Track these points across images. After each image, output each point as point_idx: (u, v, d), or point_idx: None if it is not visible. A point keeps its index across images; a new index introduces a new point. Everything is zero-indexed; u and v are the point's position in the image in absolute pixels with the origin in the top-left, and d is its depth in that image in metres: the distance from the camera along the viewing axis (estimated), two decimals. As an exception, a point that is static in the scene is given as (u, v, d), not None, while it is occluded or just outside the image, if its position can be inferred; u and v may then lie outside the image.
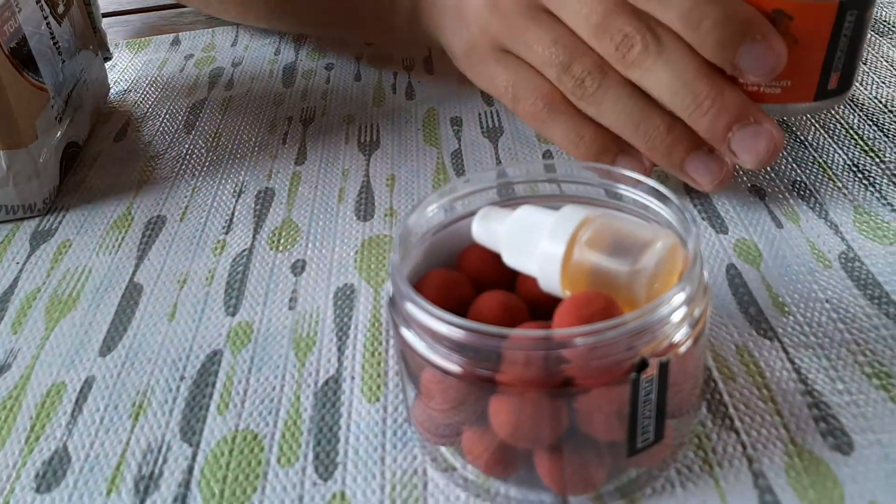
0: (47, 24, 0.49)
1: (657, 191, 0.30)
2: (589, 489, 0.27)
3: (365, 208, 0.44)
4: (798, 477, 0.27)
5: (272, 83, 0.59)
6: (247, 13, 0.61)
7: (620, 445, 0.26)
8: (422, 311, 0.26)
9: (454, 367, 0.26)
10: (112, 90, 0.60)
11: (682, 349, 0.26)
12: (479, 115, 0.51)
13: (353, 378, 0.33)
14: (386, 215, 0.43)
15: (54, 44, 0.50)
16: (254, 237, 0.42)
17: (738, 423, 0.29)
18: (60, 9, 0.52)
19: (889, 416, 0.29)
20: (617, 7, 0.37)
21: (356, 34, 0.58)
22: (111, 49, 0.65)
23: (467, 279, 0.31)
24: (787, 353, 0.32)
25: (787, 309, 0.34)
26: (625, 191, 0.31)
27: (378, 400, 0.32)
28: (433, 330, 0.26)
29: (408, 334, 0.27)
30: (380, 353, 0.34)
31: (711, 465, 0.28)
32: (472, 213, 0.31)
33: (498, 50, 0.43)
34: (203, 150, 0.51)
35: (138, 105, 0.58)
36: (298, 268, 0.40)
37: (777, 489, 0.27)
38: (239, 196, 0.46)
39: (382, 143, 0.50)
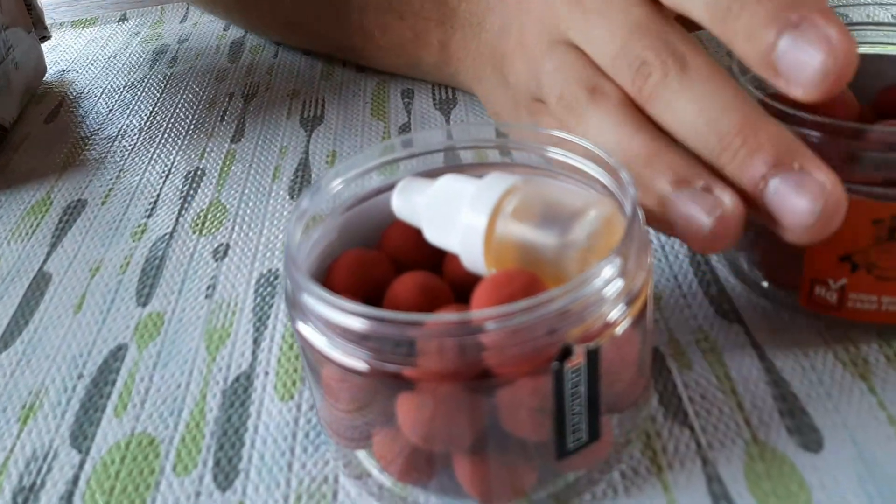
0: (-37, -3, 0.46)
1: (593, 153, 0.26)
2: (517, 496, 0.24)
3: (300, 187, 0.40)
4: (758, 480, 0.24)
5: (217, 59, 0.55)
6: (253, 23, 0.56)
7: (549, 446, 0.22)
8: (317, 301, 0.22)
9: (357, 363, 0.22)
10: (50, 70, 0.56)
11: (618, 330, 0.22)
12: (433, 87, 0.47)
13: (266, 374, 0.30)
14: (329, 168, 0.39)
15: (-28, 18, 0.46)
16: (177, 220, 0.39)
17: (692, 418, 0.26)
18: (-18, -18, 0.48)
19: (867, 409, 0.25)
20: (639, 29, 0.29)
21: (378, 65, 0.50)
22: (51, 29, 0.61)
23: (387, 259, 0.28)
24: (751, 337, 0.28)
25: (753, 286, 0.30)
26: (557, 154, 0.27)
27: (292, 398, 0.28)
28: (330, 321, 0.22)
29: (305, 329, 0.23)
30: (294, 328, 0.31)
31: (661, 466, 0.24)
32: (394, 185, 0.28)
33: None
34: (136, 131, 0.47)
35: (74, 85, 0.54)
36: (220, 253, 0.36)
37: (734, 494, 0.23)
38: (167, 177, 0.42)
39: (326, 118, 0.46)
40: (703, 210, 0.26)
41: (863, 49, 0.33)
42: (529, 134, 0.28)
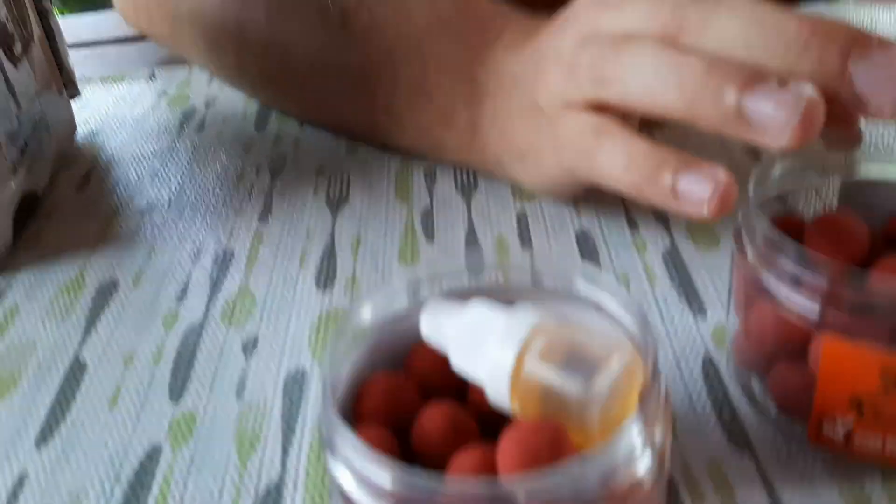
0: (0, 68, 0.47)
1: (617, 290, 0.27)
2: None
3: (326, 275, 0.41)
4: None
5: (244, 125, 0.56)
6: (279, 102, 0.57)
7: None
8: (349, 448, 0.23)
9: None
10: (80, 130, 0.58)
11: (641, 493, 0.23)
12: (455, 169, 0.49)
13: (295, 486, 0.31)
14: (347, 284, 0.41)
15: (9, 90, 0.48)
16: (207, 308, 0.40)
17: (704, 555, 0.27)
18: (18, 49, 0.50)
19: (869, 548, 0.26)
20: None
21: (402, 145, 0.50)
22: (80, 86, 0.62)
23: (413, 385, 0.29)
24: (761, 471, 0.29)
25: (764, 412, 0.31)
26: (584, 287, 0.28)
27: (320, 512, 0.30)
28: (360, 472, 0.23)
29: (337, 468, 0.24)
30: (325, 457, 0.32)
31: None
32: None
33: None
34: (165, 203, 0.49)
35: (104, 149, 0.55)
36: (250, 347, 0.37)
37: None
38: (197, 258, 0.44)
39: (351, 199, 0.47)
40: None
41: (874, 173, 0.34)
42: (559, 268, 0.29)
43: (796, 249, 0.28)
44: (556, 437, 0.24)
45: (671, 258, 0.40)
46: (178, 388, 0.36)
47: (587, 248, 0.41)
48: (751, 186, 0.31)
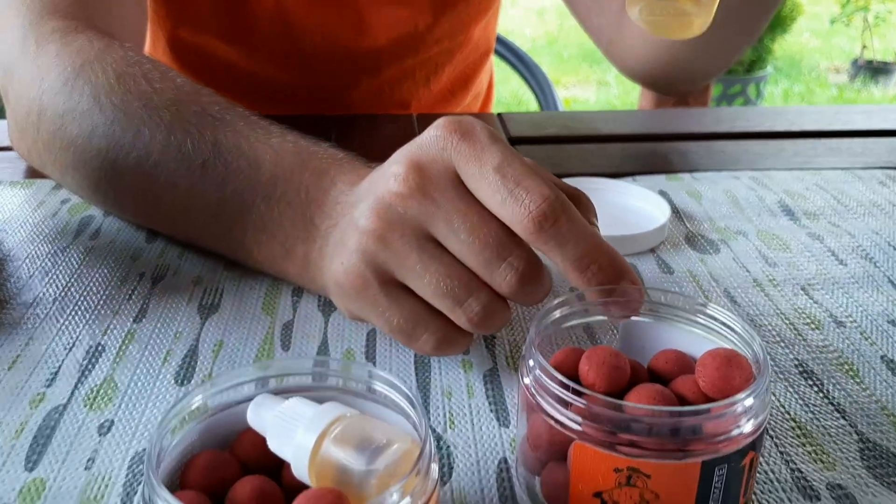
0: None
1: (406, 394, 0.33)
2: None
3: (185, 373, 0.46)
4: None
5: (136, 237, 0.62)
6: (149, 225, 0.63)
7: None
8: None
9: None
10: (-19, 227, 0.62)
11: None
12: (320, 288, 0.55)
13: (124, 546, 0.35)
14: (203, 381, 0.45)
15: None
16: (72, 394, 0.44)
17: None
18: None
19: None
20: (509, 240, 0.42)
21: (257, 271, 0.57)
22: (-12, 187, 0.67)
23: (235, 461, 0.34)
24: (526, 551, 0.35)
25: (540, 507, 0.37)
26: (381, 388, 0.34)
27: (143, 570, 0.34)
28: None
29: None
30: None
31: None
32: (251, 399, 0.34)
33: (386, 283, 0.44)
34: (50, 300, 0.53)
35: (2, 246, 0.60)
36: (105, 428, 0.42)
37: None
38: (70, 350, 0.48)
39: (221, 308, 0.53)
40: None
41: (646, 319, 0.41)
42: (355, 369, 0.35)
43: (560, 379, 0.34)
44: (337, 500, 0.29)
45: (490, 378, 0.46)
46: (33, 459, 0.40)
47: (422, 365, 0.47)
48: (532, 326, 0.37)
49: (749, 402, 0.33)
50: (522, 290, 0.42)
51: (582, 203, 0.46)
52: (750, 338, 0.37)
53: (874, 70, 4.57)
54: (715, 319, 0.39)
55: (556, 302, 0.40)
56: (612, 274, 0.41)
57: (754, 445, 0.34)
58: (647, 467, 0.33)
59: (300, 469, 0.32)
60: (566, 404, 0.34)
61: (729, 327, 0.38)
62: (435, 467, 0.31)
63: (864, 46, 4.62)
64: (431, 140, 0.43)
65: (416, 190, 0.42)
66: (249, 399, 0.34)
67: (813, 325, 0.52)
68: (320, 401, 0.33)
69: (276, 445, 0.33)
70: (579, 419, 0.34)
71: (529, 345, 0.37)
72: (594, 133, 0.86)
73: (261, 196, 0.52)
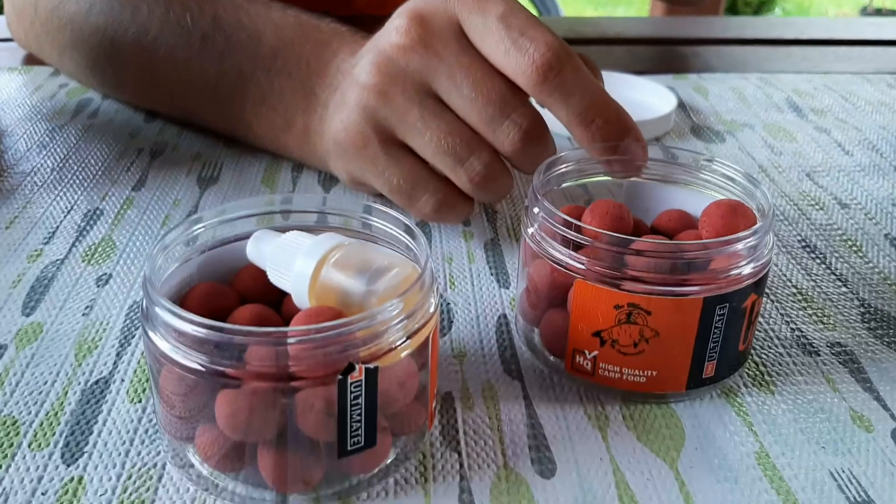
0: None
1: (407, 226, 0.33)
2: (306, 487, 0.29)
3: (185, 235, 0.46)
4: (500, 495, 0.30)
5: (134, 116, 0.61)
6: (147, 104, 0.62)
7: (333, 446, 0.28)
8: (166, 312, 0.28)
9: (193, 364, 0.28)
10: (-22, 107, 0.62)
11: (397, 357, 0.28)
12: (320, 165, 0.54)
13: (122, 381, 0.35)
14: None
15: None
16: (69, 250, 0.44)
17: (462, 446, 0.32)
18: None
19: (595, 452, 0.32)
20: (514, 97, 0.41)
21: (257, 147, 0.56)
22: (-15, 69, 0.66)
23: (234, 292, 0.34)
24: (525, 391, 0.35)
25: (538, 354, 0.37)
26: (379, 223, 0.34)
27: (140, 402, 0.34)
28: (175, 328, 0.28)
29: (154, 336, 0.28)
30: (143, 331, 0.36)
31: (427, 479, 0.30)
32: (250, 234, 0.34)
33: (386, 141, 0.43)
34: (48, 170, 0.53)
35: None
36: (103, 280, 0.42)
37: (477, 503, 0.29)
38: (68, 213, 0.48)
39: (221, 180, 0.52)
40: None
41: (650, 180, 0.41)
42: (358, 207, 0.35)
43: (565, 219, 0.34)
44: (335, 316, 0.29)
45: (491, 246, 0.46)
46: (30, 306, 0.39)
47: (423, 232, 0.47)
48: (536, 178, 0.37)
49: (751, 241, 0.33)
50: (525, 149, 0.41)
51: (587, 63, 0.45)
52: (754, 188, 0.37)
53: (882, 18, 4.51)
54: (718, 173, 0.39)
55: (559, 156, 0.39)
56: (617, 129, 0.40)
57: (756, 288, 0.34)
58: (648, 303, 0.32)
59: (300, 296, 0.31)
60: (570, 244, 0.34)
61: (732, 180, 0.38)
62: (435, 294, 0.31)
63: (874, -8, 4.55)
64: None
65: (417, 42, 0.41)
66: (248, 236, 0.34)
67: (818, 207, 0.51)
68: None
69: (275, 277, 0.33)
70: (583, 258, 0.33)
71: (533, 194, 0.36)
72: (601, 36, 0.85)
73: (261, 68, 0.51)
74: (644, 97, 0.65)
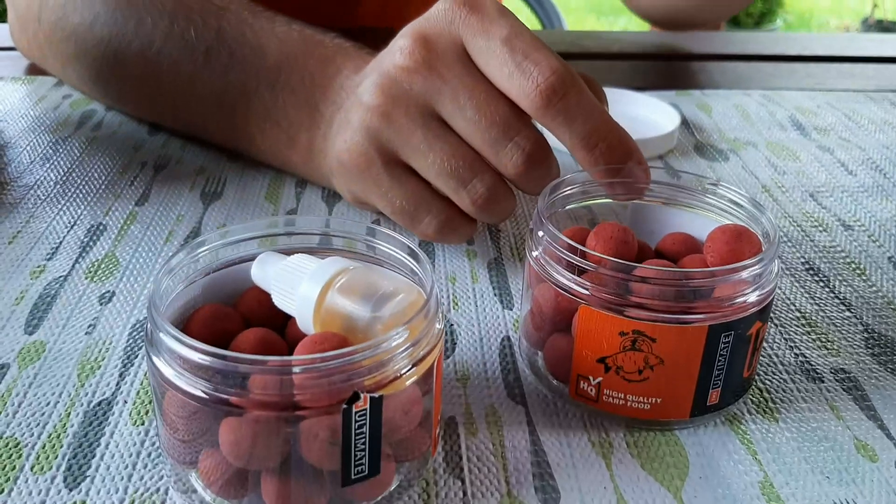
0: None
1: (412, 250, 0.33)
2: (309, 516, 0.29)
3: (188, 252, 0.46)
4: (504, 523, 0.30)
5: (138, 129, 0.61)
6: (151, 117, 0.62)
7: (337, 474, 0.28)
8: (170, 339, 0.28)
9: (196, 391, 0.28)
10: (-19, 118, 0.61)
11: (402, 385, 0.28)
12: (324, 181, 0.54)
13: (125, 402, 0.35)
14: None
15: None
16: (73, 266, 0.44)
17: (465, 472, 0.32)
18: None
19: (599, 480, 0.32)
20: (517, 120, 0.41)
21: (259, 161, 0.56)
22: (-11, 80, 0.66)
23: (238, 315, 0.34)
24: (528, 417, 0.35)
25: (541, 379, 0.37)
26: (383, 246, 0.34)
27: (143, 424, 0.34)
28: (179, 355, 0.27)
29: (157, 361, 0.28)
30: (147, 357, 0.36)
31: (430, 506, 0.30)
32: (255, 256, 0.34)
33: (389, 162, 0.43)
34: (52, 184, 0.53)
35: (2, 134, 0.59)
36: (106, 298, 0.41)
37: (481, 532, 0.29)
38: (71, 228, 0.48)
39: (225, 195, 0.52)
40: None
41: (654, 203, 0.41)
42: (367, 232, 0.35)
43: (570, 244, 0.34)
44: (340, 343, 0.29)
45: (495, 265, 0.46)
46: (33, 324, 0.39)
47: (426, 252, 0.47)
48: (541, 200, 0.37)
49: (756, 269, 0.33)
50: (528, 172, 0.41)
51: (591, 85, 0.45)
52: (759, 213, 0.37)
53: (884, 29, 4.51)
54: (723, 198, 0.38)
55: (563, 178, 0.39)
56: (620, 153, 0.40)
57: (761, 315, 0.34)
58: (653, 330, 0.32)
59: (305, 320, 0.31)
60: (575, 269, 0.34)
61: (737, 204, 0.38)
62: (441, 320, 0.30)
63: (875, 5, 4.56)
64: (439, 13, 0.42)
65: (422, 64, 0.41)
66: (252, 258, 0.34)
67: (821, 228, 0.51)
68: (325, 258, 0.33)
69: (280, 300, 0.33)
70: (587, 283, 0.33)
71: (538, 217, 0.36)
72: (604, 51, 0.85)
73: (264, 83, 0.51)
74: (647, 114, 0.65)
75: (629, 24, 4.01)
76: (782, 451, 0.33)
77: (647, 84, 0.75)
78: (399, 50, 0.42)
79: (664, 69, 0.82)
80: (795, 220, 0.52)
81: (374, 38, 0.48)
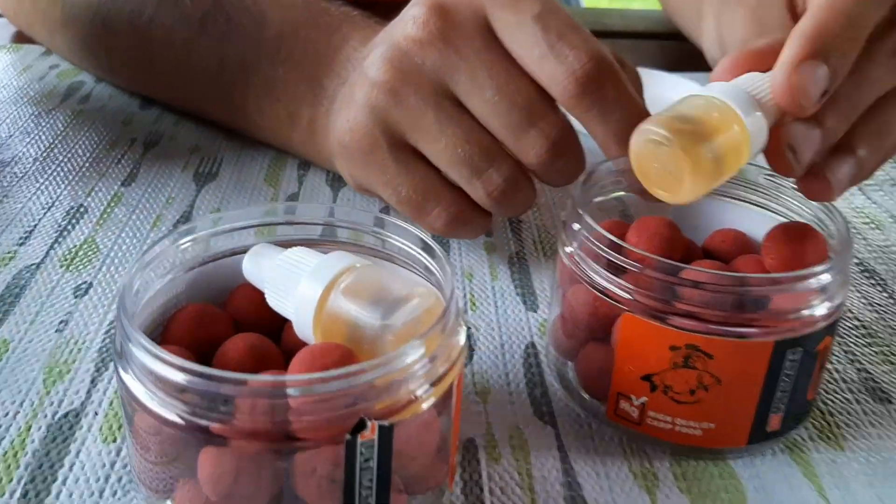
0: None
1: (426, 244, 0.28)
2: (303, 562, 0.25)
3: (176, 239, 0.41)
4: (532, 572, 0.25)
5: (129, 103, 0.56)
6: (147, 91, 0.57)
7: (337, 516, 0.24)
8: (140, 351, 0.23)
9: (170, 415, 0.23)
10: (-40, 88, 0.57)
11: (417, 409, 0.24)
12: (328, 163, 0.49)
13: (95, 414, 0.30)
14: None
15: None
16: (47, 253, 0.39)
17: (487, 508, 0.27)
18: None
19: (645, 517, 0.27)
20: (542, 103, 0.35)
21: (259, 140, 0.51)
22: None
23: (227, 317, 0.29)
24: (559, 440, 0.30)
25: (573, 394, 0.32)
26: (397, 241, 0.29)
27: (114, 441, 0.29)
28: (151, 371, 0.23)
29: (126, 377, 0.24)
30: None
31: (447, 549, 0.26)
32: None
33: (395, 146, 0.38)
34: (30, 160, 0.48)
35: (-20, 106, 0.55)
36: (82, 290, 0.37)
37: (506, 583, 0.25)
38: (48, 210, 0.43)
39: (220, 176, 0.47)
40: None
41: (712, 198, 0.36)
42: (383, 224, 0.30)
43: (611, 240, 0.29)
44: (344, 356, 0.24)
45: (516, 261, 0.41)
46: (-3, 319, 0.35)
47: (439, 244, 0.42)
48: (575, 188, 0.32)
49: (826, 277, 0.28)
50: (552, 162, 0.36)
51: (626, 70, 0.40)
52: (828, 212, 0.32)
53: None
54: (783, 190, 0.34)
55: (598, 164, 0.34)
56: None
57: (830, 329, 0.29)
58: (710, 345, 0.28)
59: (303, 326, 0.27)
60: (616, 270, 0.29)
61: (800, 198, 0.33)
62: (463, 330, 0.26)
63: None
64: None
65: (437, 36, 0.36)
66: (245, 250, 0.29)
67: (873, 225, 0.46)
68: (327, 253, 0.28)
69: (275, 301, 0.28)
70: (631, 287, 0.28)
71: (573, 208, 0.31)
72: (628, 29, 0.80)
73: (264, 55, 0.46)
74: (679, 97, 0.60)
75: (647, 2, 3.94)
76: (851, 488, 0.29)
77: (676, 65, 0.70)
78: (412, 19, 0.37)
79: (693, 50, 0.77)
80: (845, 216, 0.47)
81: (385, 8, 0.44)
